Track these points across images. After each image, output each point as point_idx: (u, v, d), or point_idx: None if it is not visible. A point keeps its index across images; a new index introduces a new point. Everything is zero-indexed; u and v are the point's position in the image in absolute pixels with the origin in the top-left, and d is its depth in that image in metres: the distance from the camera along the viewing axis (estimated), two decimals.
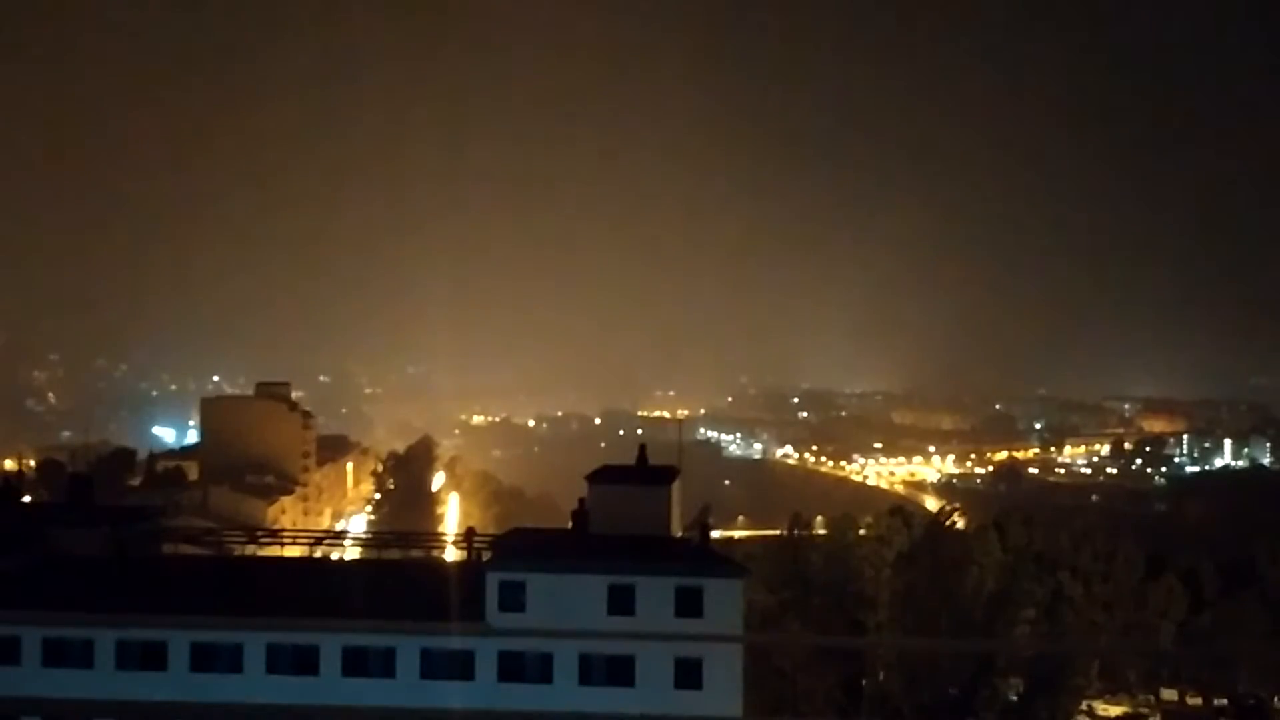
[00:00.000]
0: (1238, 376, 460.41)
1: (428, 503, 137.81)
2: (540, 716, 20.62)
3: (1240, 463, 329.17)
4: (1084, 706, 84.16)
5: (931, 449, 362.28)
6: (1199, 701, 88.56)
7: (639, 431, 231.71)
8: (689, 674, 45.31)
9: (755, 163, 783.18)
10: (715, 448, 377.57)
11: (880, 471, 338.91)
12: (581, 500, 52.49)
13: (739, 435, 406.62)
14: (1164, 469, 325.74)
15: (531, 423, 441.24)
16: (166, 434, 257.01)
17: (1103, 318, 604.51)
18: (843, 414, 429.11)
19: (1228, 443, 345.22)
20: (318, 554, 75.63)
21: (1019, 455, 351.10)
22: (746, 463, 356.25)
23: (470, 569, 51.55)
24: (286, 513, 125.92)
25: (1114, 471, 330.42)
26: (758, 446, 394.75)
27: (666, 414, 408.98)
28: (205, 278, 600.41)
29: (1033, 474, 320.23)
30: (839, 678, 73.52)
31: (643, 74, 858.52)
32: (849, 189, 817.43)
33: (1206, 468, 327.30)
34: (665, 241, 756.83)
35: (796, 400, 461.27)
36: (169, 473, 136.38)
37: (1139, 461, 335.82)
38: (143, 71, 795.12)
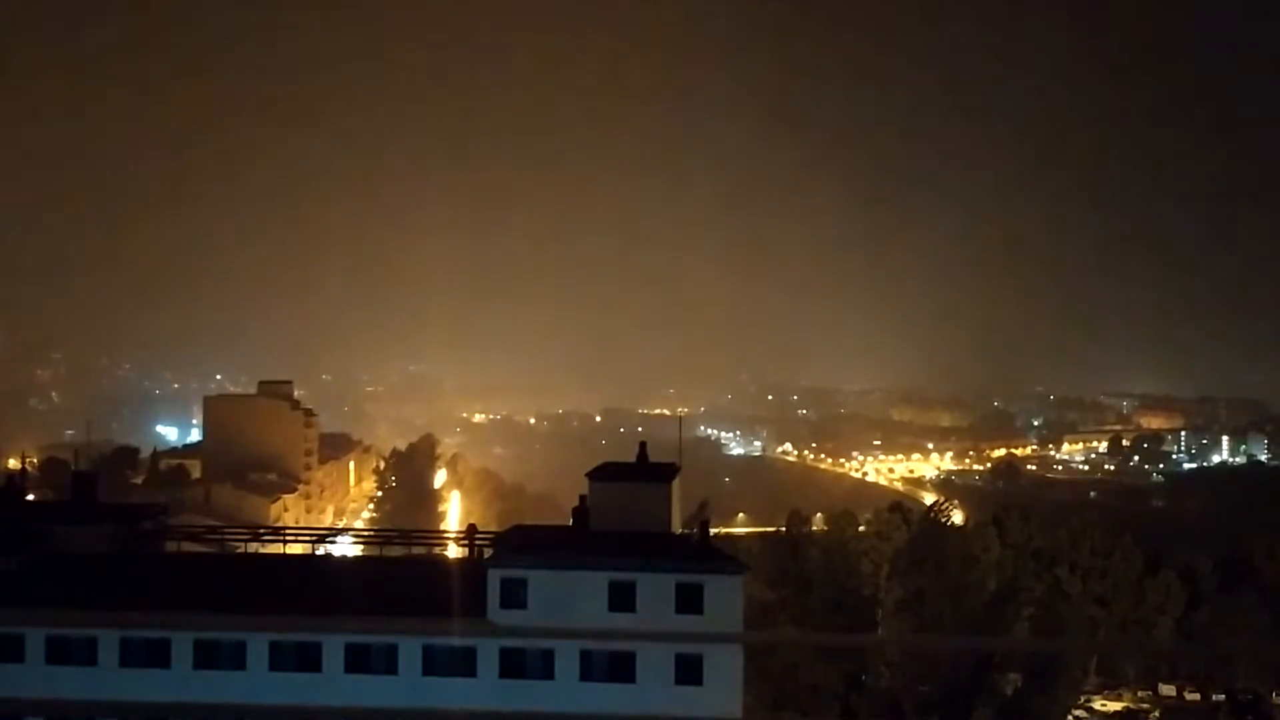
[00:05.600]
0: (1235, 373, 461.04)
1: (429, 500, 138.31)
2: (540, 718, 20.93)
3: (1237, 459, 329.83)
4: (1082, 702, 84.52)
5: (930, 446, 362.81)
6: (1197, 697, 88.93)
7: (639, 429, 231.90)
8: (689, 670, 45.62)
9: (756, 162, 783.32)
10: (715, 445, 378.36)
11: (879, 468, 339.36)
12: (582, 497, 52.74)
13: (739, 432, 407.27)
14: (1161, 465, 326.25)
15: (532, 420, 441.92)
16: (169, 432, 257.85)
17: (1100, 315, 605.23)
18: (842, 411, 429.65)
19: (1225, 439, 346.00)
20: (320, 551, 76.00)
21: (1017, 452, 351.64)
22: (746, 460, 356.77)
23: (472, 566, 51.80)
24: (289, 510, 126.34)
25: (1112, 468, 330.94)
26: (758, 444, 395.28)
27: (667, 411, 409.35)
28: (208, 277, 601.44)
29: (1031, 470, 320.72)
30: (839, 673, 73.87)
31: (644, 75, 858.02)
32: (849, 188, 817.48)
33: (1204, 464, 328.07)
34: (666, 240, 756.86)
35: (796, 398, 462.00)
36: (172, 471, 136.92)
37: (1137, 458, 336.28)
38: (145, 70, 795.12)
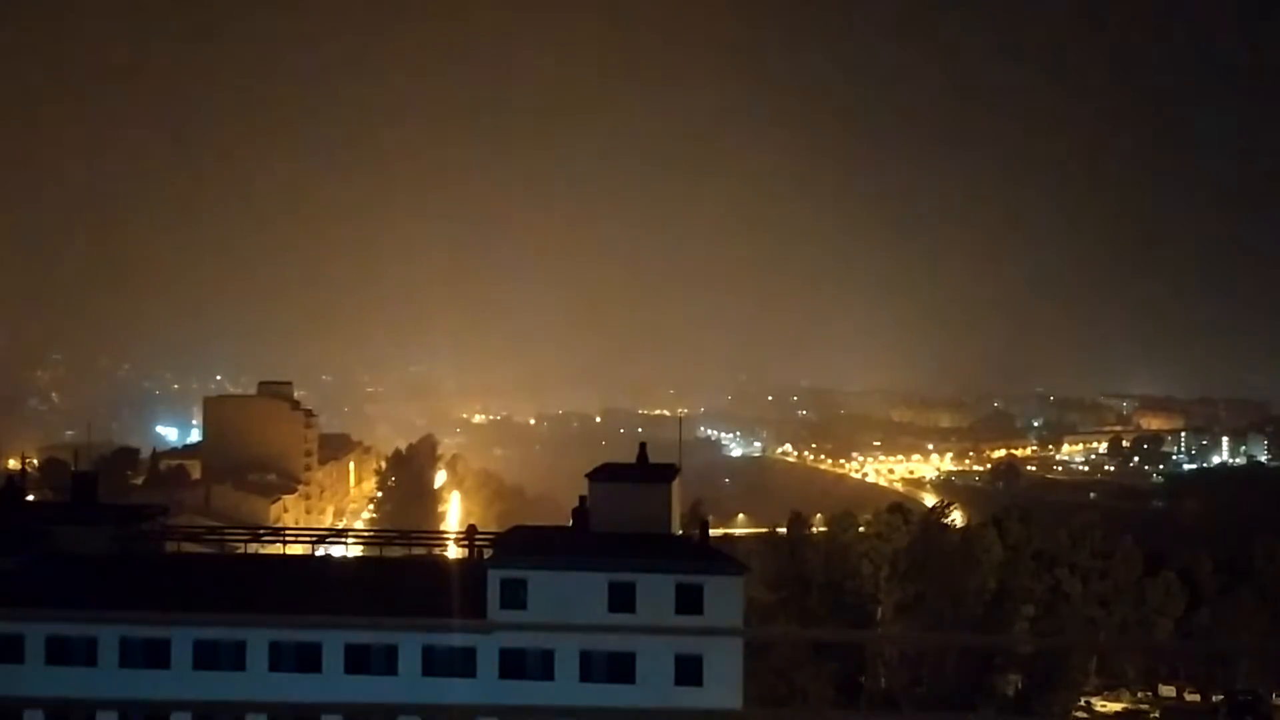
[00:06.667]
0: (1235, 374, 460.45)
1: (429, 501, 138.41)
2: (541, 712, 20.88)
3: (1238, 460, 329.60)
4: (1082, 703, 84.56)
5: (930, 446, 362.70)
6: (1197, 697, 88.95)
7: (639, 430, 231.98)
8: (689, 670, 45.68)
9: (755, 163, 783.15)
10: (715, 445, 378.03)
11: (879, 469, 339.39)
12: (582, 498, 52.76)
13: (739, 433, 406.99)
14: (1162, 466, 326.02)
15: (532, 421, 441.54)
16: (169, 433, 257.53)
17: (1101, 316, 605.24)
18: (842, 412, 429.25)
19: (1225, 440, 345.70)
20: (320, 552, 76.00)
21: (1017, 453, 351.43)
22: (746, 460, 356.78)
23: (472, 567, 51.85)
24: (289, 511, 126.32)
25: (1112, 469, 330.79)
26: (758, 444, 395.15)
27: (667, 412, 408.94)
28: (208, 277, 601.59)
29: (1031, 471, 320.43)
30: (838, 673, 73.91)
31: (644, 75, 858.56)
32: (848, 189, 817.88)
33: (1204, 465, 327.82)
34: (666, 241, 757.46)
35: (796, 398, 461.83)
36: (172, 471, 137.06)
37: (1137, 459, 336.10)
38: (145, 70, 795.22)
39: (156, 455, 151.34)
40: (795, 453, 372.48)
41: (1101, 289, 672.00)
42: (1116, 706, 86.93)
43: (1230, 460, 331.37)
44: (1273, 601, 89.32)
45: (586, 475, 54.08)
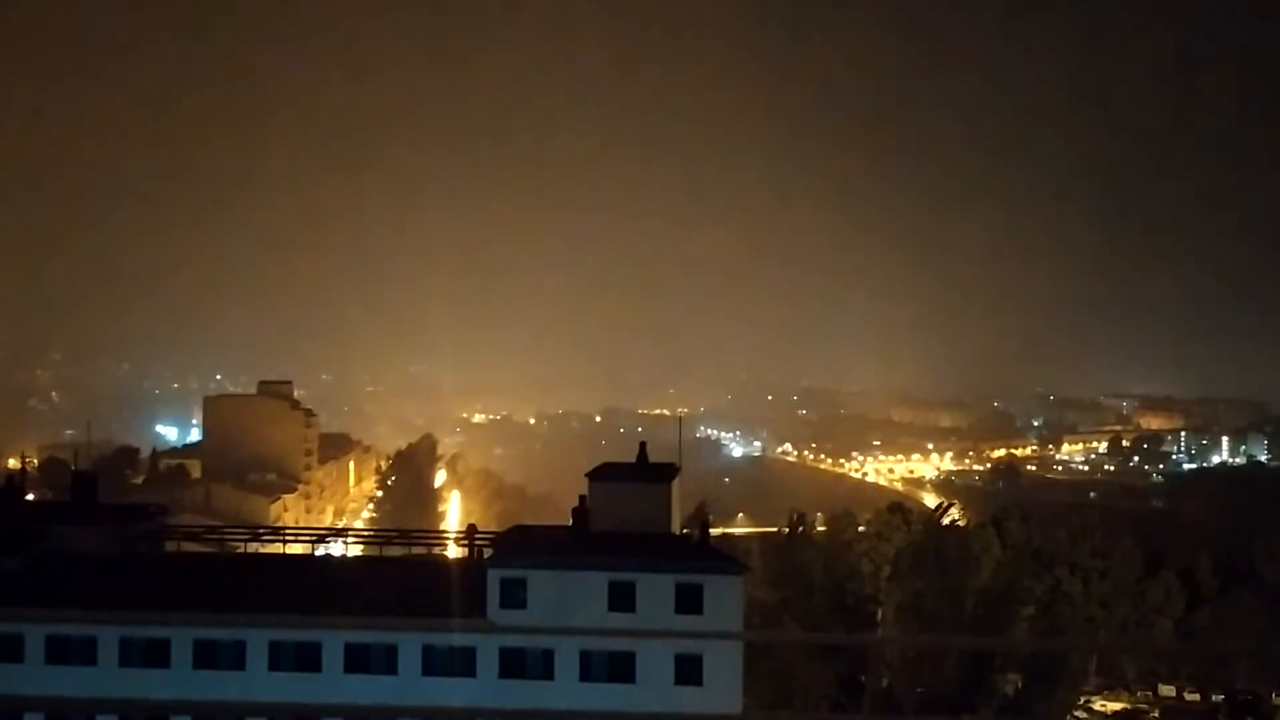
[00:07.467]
0: (1235, 373, 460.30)
1: (429, 500, 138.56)
2: (540, 715, 20.88)
3: (1238, 459, 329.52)
4: (1082, 702, 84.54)
5: (930, 446, 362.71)
6: (1197, 698, 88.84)
7: (639, 429, 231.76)
8: (689, 670, 45.65)
9: (756, 163, 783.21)
10: (715, 445, 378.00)
11: (879, 469, 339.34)
12: (582, 498, 52.70)
13: (739, 433, 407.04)
14: (1162, 466, 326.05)
15: (532, 420, 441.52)
16: (169, 432, 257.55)
17: (1101, 315, 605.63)
18: (842, 411, 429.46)
19: (1225, 439, 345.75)
20: (320, 551, 75.97)
21: (1017, 452, 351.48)
22: (746, 460, 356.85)
23: (472, 566, 51.80)
24: (289, 510, 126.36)
25: (1112, 469, 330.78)
26: (757, 444, 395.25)
27: (667, 412, 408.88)
28: (207, 277, 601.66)
29: (1031, 471, 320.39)
30: (838, 673, 73.87)
31: (646, 75, 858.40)
32: (848, 189, 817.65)
33: (1204, 464, 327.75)
34: (666, 241, 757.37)
35: (796, 398, 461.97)
36: (172, 471, 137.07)
37: (1137, 458, 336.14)
38: (144, 72, 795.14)
39: (156, 455, 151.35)
40: (795, 452, 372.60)
41: (1101, 289, 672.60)
42: (1116, 706, 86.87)
43: (1230, 460, 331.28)
44: (1273, 601, 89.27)
45: (586, 475, 54.02)
